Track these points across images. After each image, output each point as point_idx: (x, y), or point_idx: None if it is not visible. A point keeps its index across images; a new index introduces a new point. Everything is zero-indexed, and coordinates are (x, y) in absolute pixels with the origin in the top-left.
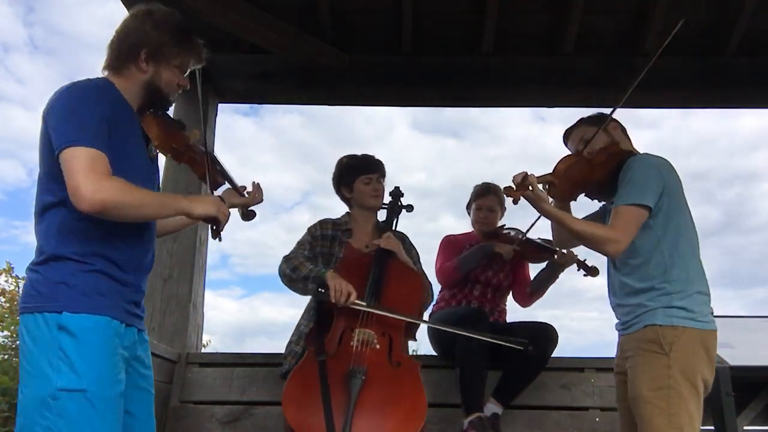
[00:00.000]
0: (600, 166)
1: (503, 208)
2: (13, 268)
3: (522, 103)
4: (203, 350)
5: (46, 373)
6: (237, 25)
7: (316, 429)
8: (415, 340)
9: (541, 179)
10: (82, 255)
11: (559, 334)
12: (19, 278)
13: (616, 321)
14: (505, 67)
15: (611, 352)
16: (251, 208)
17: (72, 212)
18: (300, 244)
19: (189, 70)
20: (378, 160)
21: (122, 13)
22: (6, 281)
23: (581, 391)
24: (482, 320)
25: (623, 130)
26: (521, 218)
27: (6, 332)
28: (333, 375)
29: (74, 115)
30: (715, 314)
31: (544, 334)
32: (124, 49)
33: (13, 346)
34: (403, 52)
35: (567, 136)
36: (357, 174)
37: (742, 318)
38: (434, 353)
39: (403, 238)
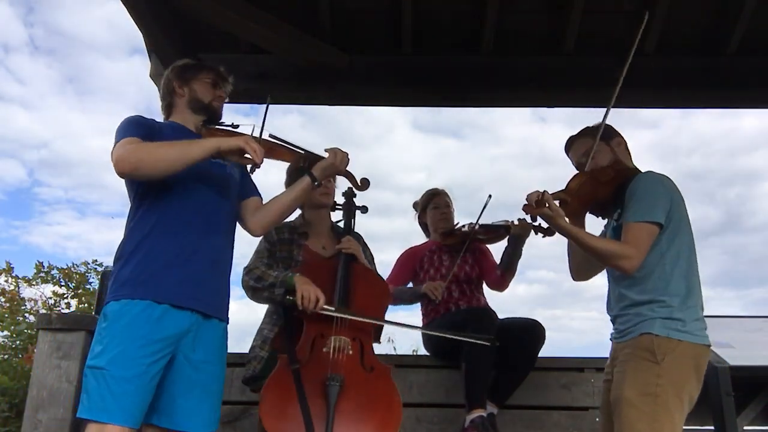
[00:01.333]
0: (606, 183)
1: (453, 207)
2: (13, 268)
3: (522, 103)
4: None
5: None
6: (237, 25)
7: None
8: (380, 342)
9: (555, 196)
10: (133, 249)
11: (549, 335)
12: (19, 278)
13: (612, 331)
14: (505, 67)
15: (609, 360)
16: (363, 177)
17: (132, 214)
18: (258, 252)
19: (223, 88)
20: None
21: (122, 14)
22: (6, 281)
23: (581, 391)
24: (489, 317)
25: (626, 147)
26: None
27: (6, 332)
28: (309, 383)
29: (121, 125)
30: (715, 314)
31: (532, 331)
32: (165, 91)
33: (13, 346)
34: (403, 52)
35: (569, 145)
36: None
37: (742, 318)
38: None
39: (357, 237)
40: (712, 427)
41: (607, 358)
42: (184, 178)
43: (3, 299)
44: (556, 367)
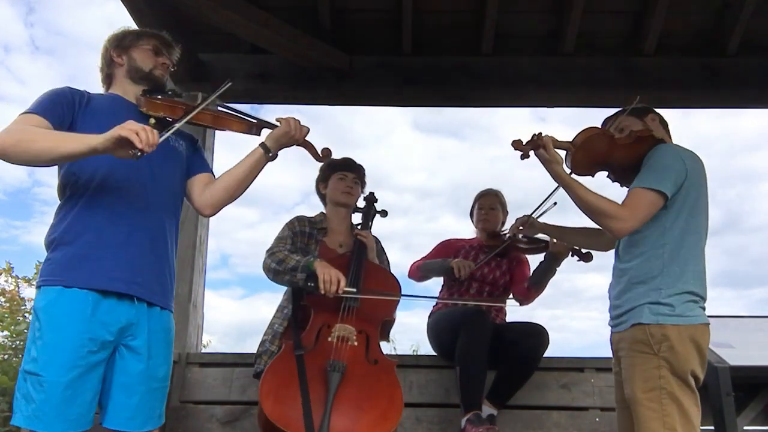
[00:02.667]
0: (624, 147)
1: (505, 211)
2: (13, 268)
3: (522, 103)
4: (203, 350)
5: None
6: (237, 25)
7: (294, 421)
8: (389, 341)
9: (558, 144)
10: (64, 230)
11: (550, 335)
12: (19, 278)
13: (609, 317)
14: (505, 67)
15: (611, 352)
16: (324, 147)
17: (62, 192)
18: (280, 239)
19: (168, 54)
20: (358, 164)
21: (122, 14)
22: (6, 281)
23: (581, 391)
24: (482, 319)
25: (663, 123)
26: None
27: (6, 332)
28: (311, 369)
29: (40, 96)
30: (715, 314)
31: (535, 335)
32: (104, 62)
33: (13, 346)
34: (403, 52)
35: (605, 124)
36: (334, 170)
37: (742, 318)
38: (434, 353)
39: (376, 241)
40: (712, 427)
41: (607, 357)
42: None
43: (3, 299)
44: (556, 367)
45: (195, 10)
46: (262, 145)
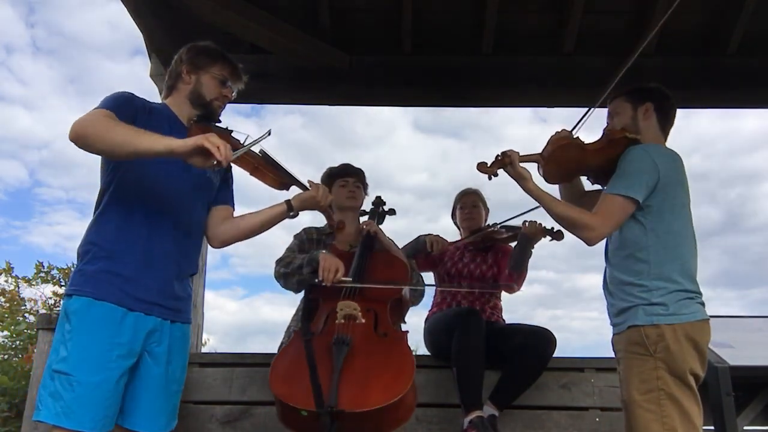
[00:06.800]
0: (596, 152)
1: (486, 208)
2: (13, 268)
3: (522, 103)
4: (203, 350)
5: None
6: (237, 25)
7: (303, 397)
8: (404, 322)
9: (528, 158)
10: (101, 243)
11: (557, 338)
12: (19, 278)
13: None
14: (505, 67)
15: (611, 351)
16: (341, 219)
17: (102, 203)
18: (289, 249)
19: (232, 87)
20: (357, 168)
21: (124, 14)
22: (6, 281)
23: (581, 391)
24: (475, 317)
25: (663, 115)
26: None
27: (6, 332)
28: (319, 349)
29: (108, 96)
30: (715, 314)
31: (543, 338)
32: (173, 71)
33: (13, 346)
34: (403, 52)
35: (611, 100)
36: (335, 178)
37: (742, 318)
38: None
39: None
40: (712, 427)
41: (607, 357)
42: (157, 173)
43: (3, 299)
44: (556, 367)
45: (195, 10)
46: (288, 203)
